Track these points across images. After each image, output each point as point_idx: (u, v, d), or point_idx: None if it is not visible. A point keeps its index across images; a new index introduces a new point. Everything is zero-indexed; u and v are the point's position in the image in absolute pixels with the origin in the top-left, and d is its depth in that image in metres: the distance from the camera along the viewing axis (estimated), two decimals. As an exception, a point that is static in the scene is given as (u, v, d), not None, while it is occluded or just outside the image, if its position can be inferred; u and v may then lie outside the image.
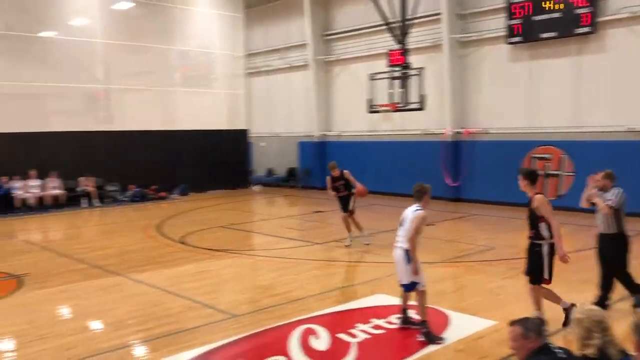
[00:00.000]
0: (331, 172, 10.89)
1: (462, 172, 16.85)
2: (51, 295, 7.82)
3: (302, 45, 21.21)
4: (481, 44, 16.63)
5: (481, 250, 10.00)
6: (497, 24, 15.86)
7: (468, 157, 16.82)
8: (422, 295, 5.93)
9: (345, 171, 10.77)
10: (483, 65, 16.66)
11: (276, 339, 5.91)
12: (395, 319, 6.25)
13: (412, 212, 5.94)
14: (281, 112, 22.74)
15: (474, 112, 16.98)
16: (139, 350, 5.78)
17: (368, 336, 5.90)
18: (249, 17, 22.65)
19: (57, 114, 18.46)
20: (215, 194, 20.01)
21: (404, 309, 6.14)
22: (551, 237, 5.83)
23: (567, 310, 5.90)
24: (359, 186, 10.65)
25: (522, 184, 6.01)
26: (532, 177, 6.04)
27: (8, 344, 6.04)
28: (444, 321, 6.33)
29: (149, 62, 20.36)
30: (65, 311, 7.30)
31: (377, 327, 6.05)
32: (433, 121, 17.32)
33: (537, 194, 5.91)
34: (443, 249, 10.44)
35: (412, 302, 6.11)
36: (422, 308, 5.90)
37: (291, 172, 22.21)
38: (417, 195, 6.03)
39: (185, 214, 15.81)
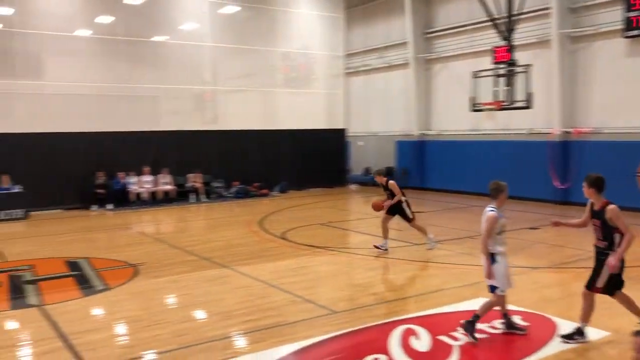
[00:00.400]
0: (376, 180, 10.62)
1: (571, 174, 15.97)
2: (164, 284, 8.35)
3: (402, 44, 21.06)
4: (594, 38, 15.66)
5: (590, 257, 9.43)
6: (614, 16, 14.85)
7: (577, 158, 15.92)
8: (497, 298, 5.81)
9: (390, 182, 10.42)
10: (596, 61, 15.68)
11: (376, 338, 5.95)
12: (499, 324, 6.08)
13: (485, 212, 5.78)
14: (379, 112, 22.71)
15: (585, 111, 16.03)
16: (245, 341, 6.04)
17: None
18: (348, 17, 22.83)
19: (168, 114, 19.64)
20: (314, 192, 20.39)
21: (504, 314, 5.96)
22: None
23: None
24: (384, 201, 10.41)
25: (588, 192, 5.62)
26: (598, 184, 5.63)
27: (126, 328, 6.53)
28: (551, 328, 6.06)
29: (252, 64, 21.13)
30: (176, 300, 7.77)
31: (480, 331, 5.91)
32: (540, 120, 16.57)
33: (608, 203, 5.51)
34: (549, 254, 9.96)
35: (511, 307, 5.93)
36: (487, 305, 5.83)
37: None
38: (493, 194, 5.87)
39: (286, 211, 16.25)
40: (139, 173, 17.90)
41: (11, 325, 6.80)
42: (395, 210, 10.34)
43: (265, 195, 19.74)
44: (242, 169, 19.87)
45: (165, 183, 18.20)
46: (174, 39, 19.55)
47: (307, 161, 21.02)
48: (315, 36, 22.12)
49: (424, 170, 20.76)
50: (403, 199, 10.27)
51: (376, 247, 10.24)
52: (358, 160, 23.35)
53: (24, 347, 6.00)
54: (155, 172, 18.14)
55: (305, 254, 10.27)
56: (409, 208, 10.40)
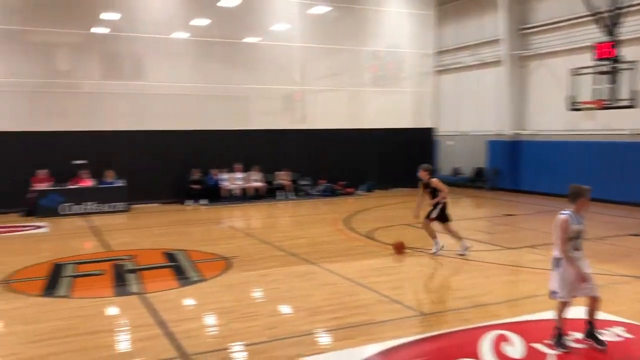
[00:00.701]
0: (419, 175, 10.21)
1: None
2: (254, 278, 8.62)
3: (495, 41, 20.40)
4: None
5: None
6: None
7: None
8: (560, 305, 5.56)
9: (434, 179, 10.08)
10: None
11: (465, 342, 5.83)
12: (597, 333, 5.76)
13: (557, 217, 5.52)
14: (470, 110, 22.13)
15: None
16: (333, 337, 6.10)
17: (566, 350, 5.52)
18: (440, 14, 22.41)
19: (259, 113, 20.19)
20: (400, 192, 20.20)
21: (588, 322, 5.65)
22: None
23: None
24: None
25: None
26: None
27: (220, 318, 6.80)
28: (658, 344, 5.67)
29: (340, 63, 21.27)
30: (266, 293, 7.98)
31: (578, 340, 5.63)
32: (645, 120, 15.50)
33: None
34: (655, 264, 9.31)
35: (611, 318, 5.59)
36: (557, 315, 5.58)
37: (478, 173, 21.52)
38: (571, 198, 5.54)
39: (371, 210, 16.24)
40: (231, 170, 18.55)
41: (115, 310, 7.28)
42: (444, 215, 10.03)
43: (350, 194, 19.83)
44: (329, 168, 20.09)
45: (256, 180, 18.74)
46: (265, 40, 20.06)
47: (394, 160, 20.88)
48: (405, 34, 21.89)
49: (517, 171, 20.00)
50: (443, 201, 9.97)
51: (460, 254, 9.96)
52: (446, 161, 22.88)
53: (127, 332, 6.40)
54: (246, 169, 18.73)
55: (391, 253, 10.22)
56: (444, 211, 10.05)
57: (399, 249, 10.19)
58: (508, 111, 20.11)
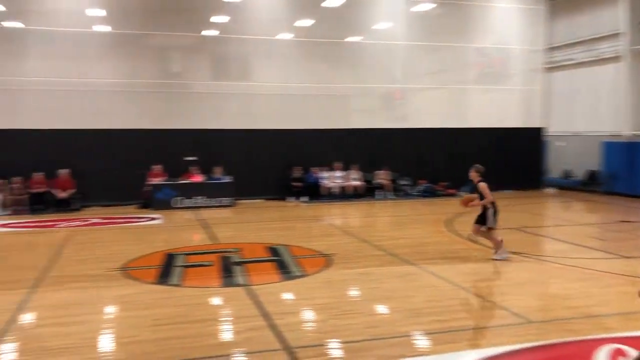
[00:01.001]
0: (470, 176, 9.87)
1: None
2: (354, 276, 8.67)
3: (614, 35, 19.07)
4: None
5: None
6: None
7: None
8: None
9: (482, 184, 9.56)
10: None
11: (576, 354, 5.52)
12: None
13: None
14: (583, 109, 20.84)
15: None
16: (434, 340, 6.00)
17: None
18: (551, 8, 21.31)
19: (359, 112, 20.25)
20: (505, 194, 19.41)
21: None
22: None
23: None
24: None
25: None
26: None
27: (321, 314, 6.91)
28: None
29: (444, 61, 20.85)
30: (366, 292, 7.99)
31: None
32: None
33: None
34: None
35: None
36: None
37: (592, 176, 20.21)
38: None
39: (474, 212, 15.70)
40: (331, 169, 18.78)
41: (222, 301, 7.62)
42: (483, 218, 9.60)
43: (452, 195, 19.35)
44: (430, 168, 19.73)
45: (355, 179, 18.82)
46: (367, 39, 20.09)
47: (499, 161, 20.06)
48: (513, 30, 21.01)
49: (635, 175, 18.54)
50: (490, 206, 9.53)
51: (494, 259, 9.55)
52: (556, 162, 21.69)
53: (232, 322, 6.69)
54: (345, 168, 18.88)
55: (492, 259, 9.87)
56: (494, 216, 9.58)
57: (465, 203, 10.00)
58: (627, 110, 18.72)
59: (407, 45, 19.99)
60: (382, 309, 7.14)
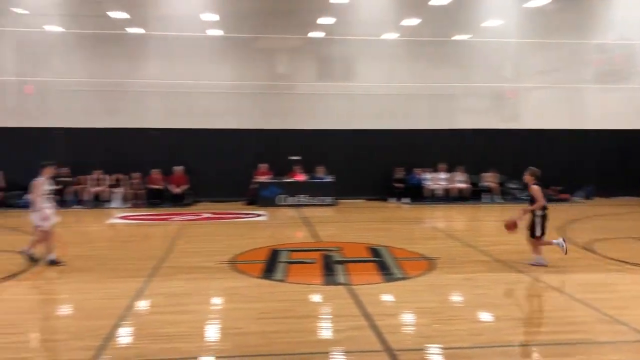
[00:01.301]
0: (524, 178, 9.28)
1: None
2: (458, 281, 8.41)
3: None
4: None
5: None
6: None
7: None
8: None
9: (535, 186, 8.84)
10: None
11: None
12: None
13: None
14: None
15: None
16: (544, 352, 5.68)
17: None
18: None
19: (465, 112, 19.65)
20: (625, 201, 18.04)
21: None
22: None
23: None
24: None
25: None
26: None
27: (423, 318, 6.77)
28: None
29: (558, 59, 19.68)
30: (471, 298, 7.70)
31: None
32: None
33: None
34: None
35: None
36: None
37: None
38: None
39: (590, 219, 14.78)
40: (435, 170, 18.38)
41: (324, 298, 7.70)
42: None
43: (565, 200, 18.26)
44: (541, 171, 18.64)
45: (460, 181, 18.29)
46: (475, 37, 19.45)
47: (618, 166, 18.70)
48: (638, 24, 19.42)
49: None
50: (539, 212, 8.89)
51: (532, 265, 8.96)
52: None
53: (334, 320, 6.74)
54: (450, 169, 18.40)
55: (615, 269, 9.19)
56: (542, 223, 8.94)
57: (511, 227, 9.38)
58: None
59: (518, 43, 19.09)
60: (487, 316, 6.87)
